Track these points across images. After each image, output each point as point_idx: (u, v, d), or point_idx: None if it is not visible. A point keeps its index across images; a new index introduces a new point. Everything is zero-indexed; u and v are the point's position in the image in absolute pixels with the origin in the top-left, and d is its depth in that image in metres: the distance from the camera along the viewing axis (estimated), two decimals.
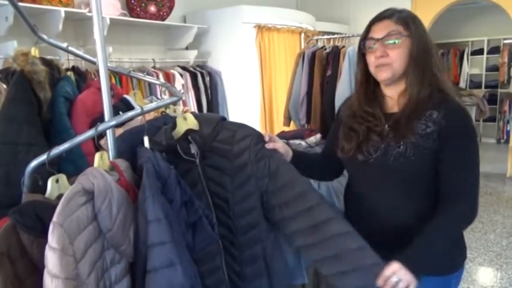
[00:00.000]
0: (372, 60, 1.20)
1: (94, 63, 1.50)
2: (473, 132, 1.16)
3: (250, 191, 1.15)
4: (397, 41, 1.16)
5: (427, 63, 1.17)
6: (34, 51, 1.53)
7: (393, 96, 1.24)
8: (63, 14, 2.62)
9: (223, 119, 1.22)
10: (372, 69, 1.22)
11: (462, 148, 1.13)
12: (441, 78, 1.18)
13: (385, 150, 1.19)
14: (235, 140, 1.16)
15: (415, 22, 1.18)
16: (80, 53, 1.57)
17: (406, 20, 1.17)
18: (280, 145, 1.24)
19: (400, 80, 1.21)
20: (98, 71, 1.05)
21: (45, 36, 1.51)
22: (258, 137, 1.18)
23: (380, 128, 1.21)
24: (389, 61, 1.17)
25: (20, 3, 2.53)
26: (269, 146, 1.19)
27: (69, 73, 1.66)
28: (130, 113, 1.05)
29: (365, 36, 1.21)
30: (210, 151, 1.15)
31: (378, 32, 1.18)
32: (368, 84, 1.26)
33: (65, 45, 1.55)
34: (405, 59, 1.17)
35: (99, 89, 1.05)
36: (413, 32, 1.16)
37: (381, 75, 1.20)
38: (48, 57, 1.62)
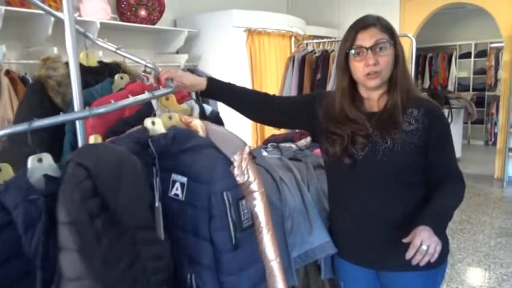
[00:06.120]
0: (360, 68, 1.22)
1: (142, 64, 1.47)
2: (449, 126, 1.31)
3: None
4: (386, 50, 1.21)
5: (406, 67, 1.28)
6: (83, 56, 1.53)
7: (374, 98, 1.29)
8: (52, 18, 2.60)
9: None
10: (359, 76, 1.24)
11: (447, 141, 1.27)
12: (411, 79, 1.32)
13: (372, 147, 1.23)
14: None
15: (394, 30, 1.26)
16: (128, 55, 1.48)
17: (390, 28, 1.24)
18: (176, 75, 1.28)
19: (384, 84, 1.27)
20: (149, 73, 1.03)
21: (91, 36, 1.49)
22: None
23: (364, 132, 1.24)
24: (379, 69, 1.21)
25: (9, 8, 2.54)
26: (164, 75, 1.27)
27: (117, 76, 1.58)
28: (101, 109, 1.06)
29: (352, 44, 1.22)
30: None
31: (366, 40, 1.20)
32: (350, 90, 1.29)
33: (113, 48, 1.50)
34: (391, 66, 1.24)
35: (132, 93, 1.03)
36: (397, 39, 1.25)
37: (372, 83, 1.23)
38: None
